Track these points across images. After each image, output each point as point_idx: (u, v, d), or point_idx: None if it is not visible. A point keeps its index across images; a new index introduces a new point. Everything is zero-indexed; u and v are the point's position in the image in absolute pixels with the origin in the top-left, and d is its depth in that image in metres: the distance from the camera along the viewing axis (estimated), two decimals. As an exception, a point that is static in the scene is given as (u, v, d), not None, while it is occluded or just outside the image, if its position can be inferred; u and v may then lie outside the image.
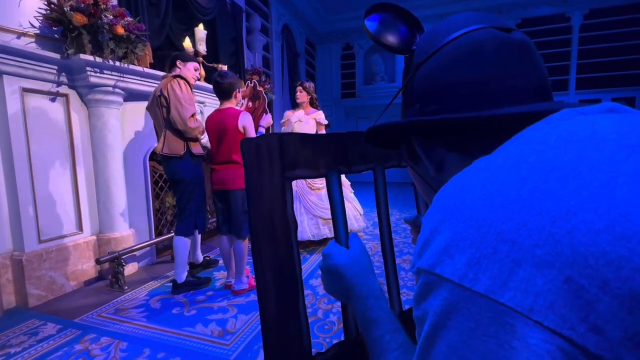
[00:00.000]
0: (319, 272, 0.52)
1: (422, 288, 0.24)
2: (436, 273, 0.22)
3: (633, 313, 0.16)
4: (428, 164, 0.37)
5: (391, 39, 0.39)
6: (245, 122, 1.78)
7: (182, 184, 1.86)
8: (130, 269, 2.14)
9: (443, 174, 0.36)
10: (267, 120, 2.02)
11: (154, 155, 2.35)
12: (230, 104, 1.85)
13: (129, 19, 2.00)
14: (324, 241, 2.70)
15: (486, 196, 0.22)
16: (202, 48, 2.73)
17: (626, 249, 0.17)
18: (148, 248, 2.28)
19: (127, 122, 2.22)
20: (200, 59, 2.74)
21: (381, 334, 0.38)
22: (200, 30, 2.70)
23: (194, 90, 2.61)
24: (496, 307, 0.19)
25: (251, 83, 3.66)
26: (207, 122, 1.86)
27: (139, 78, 2.16)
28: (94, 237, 2.07)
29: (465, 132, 0.33)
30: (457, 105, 0.33)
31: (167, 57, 1.92)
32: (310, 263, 2.33)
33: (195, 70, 1.98)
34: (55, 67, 1.82)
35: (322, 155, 0.46)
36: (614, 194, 0.18)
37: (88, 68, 1.85)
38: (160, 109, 1.79)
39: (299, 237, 2.58)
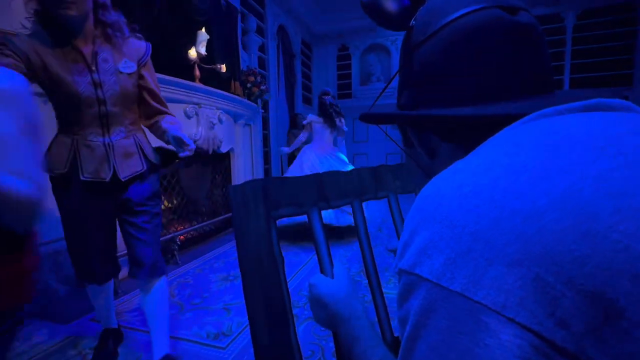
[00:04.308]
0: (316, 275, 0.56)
1: (403, 289, 0.24)
2: (416, 273, 0.23)
3: (595, 307, 0.17)
4: (421, 151, 0.37)
5: (387, 8, 0.35)
6: None
7: None
8: (124, 272, 2.12)
9: (436, 160, 0.36)
10: None
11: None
12: None
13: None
14: (347, 228, 2.79)
15: (461, 198, 0.22)
16: (202, 50, 2.78)
17: (589, 247, 0.17)
18: (143, 251, 2.26)
19: (121, 124, 2.20)
20: (199, 59, 2.76)
21: (363, 350, 0.40)
22: (202, 33, 2.79)
23: (190, 91, 2.60)
24: (471, 305, 0.20)
25: (248, 84, 3.65)
26: None
27: (133, 79, 2.13)
28: (88, 240, 2.04)
29: (455, 127, 0.33)
30: (452, 96, 0.31)
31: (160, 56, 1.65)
32: (307, 263, 2.33)
33: None
34: (48, 69, 1.79)
35: (303, 194, 0.50)
36: (581, 194, 0.19)
37: (81, 69, 1.82)
38: None
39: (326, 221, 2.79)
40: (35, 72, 0.90)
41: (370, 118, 0.40)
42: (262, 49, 4.86)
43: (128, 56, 1.04)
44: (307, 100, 6.77)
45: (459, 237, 0.21)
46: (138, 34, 1.11)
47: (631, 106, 0.27)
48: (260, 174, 4.27)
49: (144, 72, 1.09)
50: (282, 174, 5.53)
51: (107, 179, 1.02)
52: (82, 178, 0.99)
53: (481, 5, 0.30)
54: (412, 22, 0.35)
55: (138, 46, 1.08)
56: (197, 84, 2.73)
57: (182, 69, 2.65)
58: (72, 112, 0.98)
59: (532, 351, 0.18)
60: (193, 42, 2.78)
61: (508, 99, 0.30)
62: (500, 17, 0.30)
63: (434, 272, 0.22)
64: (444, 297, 0.21)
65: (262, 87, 3.83)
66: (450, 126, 0.32)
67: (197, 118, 2.78)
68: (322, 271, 0.49)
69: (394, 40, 6.55)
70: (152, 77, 1.13)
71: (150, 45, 1.12)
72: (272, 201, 0.46)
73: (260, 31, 4.77)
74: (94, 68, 0.97)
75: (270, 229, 0.45)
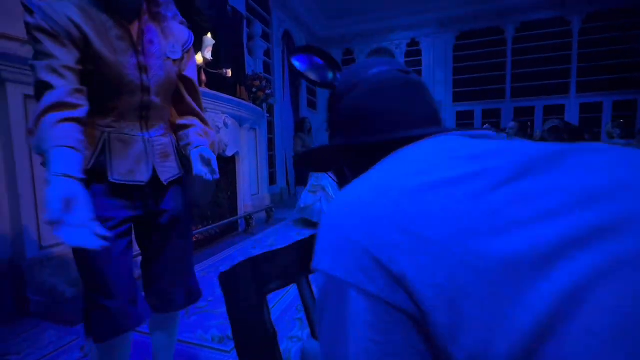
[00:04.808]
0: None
1: (315, 284, 0.32)
2: (318, 269, 0.31)
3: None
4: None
5: (316, 76, 0.49)
6: None
7: None
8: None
9: None
10: None
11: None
12: None
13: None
14: None
15: (347, 210, 0.31)
16: (208, 55, 2.83)
17: (401, 239, 0.26)
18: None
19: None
20: (205, 64, 2.79)
21: None
22: (208, 39, 2.84)
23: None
24: (343, 285, 0.28)
25: (254, 89, 3.68)
26: None
27: (141, 84, 2.16)
28: (95, 243, 2.06)
29: (377, 152, 0.40)
30: (372, 130, 0.42)
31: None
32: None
33: None
34: (58, 74, 1.83)
35: (291, 265, 0.53)
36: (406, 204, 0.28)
37: (90, 75, 1.84)
38: None
39: None
40: (78, 48, 0.73)
41: (305, 162, 0.50)
42: (267, 53, 4.90)
43: (173, 40, 0.89)
44: (311, 104, 6.80)
45: (338, 238, 0.30)
46: (183, 20, 0.97)
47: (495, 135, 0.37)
48: (265, 178, 4.28)
49: (185, 60, 0.93)
50: (287, 176, 5.54)
51: (145, 181, 0.83)
52: (110, 179, 0.78)
53: (385, 68, 0.44)
54: (336, 83, 0.48)
55: (182, 31, 0.92)
56: (203, 89, 2.76)
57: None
58: (109, 99, 0.79)
59: (386, 316, 0.25)
60: (199, 48, 2.82)
61: (409, 130, 0.41)
62: (399, 75, 0.43)
63: (326, 265, 0.30)
64: (330, 283, 0.29)
65: (268, 92, 3.86)
66: (376, 151, 0.41)
67: (203, 122, 2.80)
68: (313, 335, 0.52)
69: (398, 44, 6.56)
70: (194, 66, 0.97)
71: (192, 34, 0.97)
72: (262, 276, 0.48)
73: (265, 36, 4.82)
74: (140, 49, 0.81)
75: (262, 306, 0.48)
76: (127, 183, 0.81)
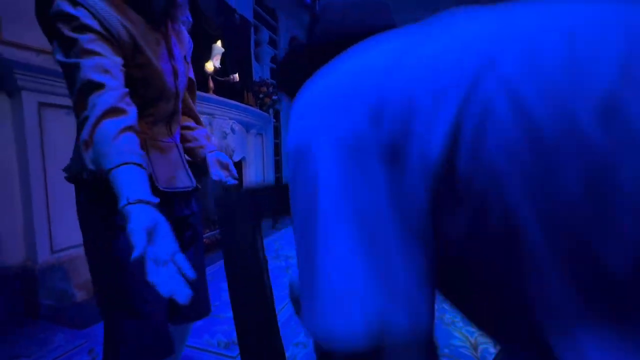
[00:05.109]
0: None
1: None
2: (289, 148, 0.31)
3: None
4: None
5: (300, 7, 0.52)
6: None
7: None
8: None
9: None
10: None
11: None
12: None
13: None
14: None
15: (308, 90, 0.33)
16: (217, 63, 2.90)
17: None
18: (157, 258, 2.29)
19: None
20: (214, 72, 2.84)
21: None
22: (217, 47, 2.89)
23: (202, 102, 2.66)
24: (308, 152, 0.28)
25: (261, 94, 3.72)
26: None
27: (151, 91, 2.20)
28: (104, 247, 2.09)
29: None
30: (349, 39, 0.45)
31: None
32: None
33: None
34: (71, 82, 1.87)
35: (286, 201, 0.53)
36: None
37: (102, 82, 1.88)
38: None
39: None
40: (124, 52, 0.66)
41: (288, 79, 0.51)
42: (274, 60, 4.96)
43: (186, 43, 0.85)
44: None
45: (304, 114, 0.31)
46: (189, 22, 0.93)
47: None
48: (271, 183, 4.30)
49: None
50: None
51: (192, 186, 0.83)
52: (161, 188, 0.74)
53: None
54: (317, 10, 0.51)
55: (186, 33, 0.88)
56: (211, 95, 2.80)
57: (196, 80, 2.73)
58: (148, 107, 0.75)
59: (350, 154, 0.26)
60: (208, 56, 2.86)
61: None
62: None
63: (292, 141, 0.30)
64: (296, 150, 0.30)
65: (274, 98, 3.90)
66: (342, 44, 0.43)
67: (211, 128, 2.84)
68: None
69: (405, 50, 6.58)
70: (191, 67, 0.95)
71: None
72: (258, 205, 0.49)
73: (272, 43, 4.88)
74: (172, 54, 0.77)
75: (255, 235, 0.48)
76: (174, 191, 0.77)
